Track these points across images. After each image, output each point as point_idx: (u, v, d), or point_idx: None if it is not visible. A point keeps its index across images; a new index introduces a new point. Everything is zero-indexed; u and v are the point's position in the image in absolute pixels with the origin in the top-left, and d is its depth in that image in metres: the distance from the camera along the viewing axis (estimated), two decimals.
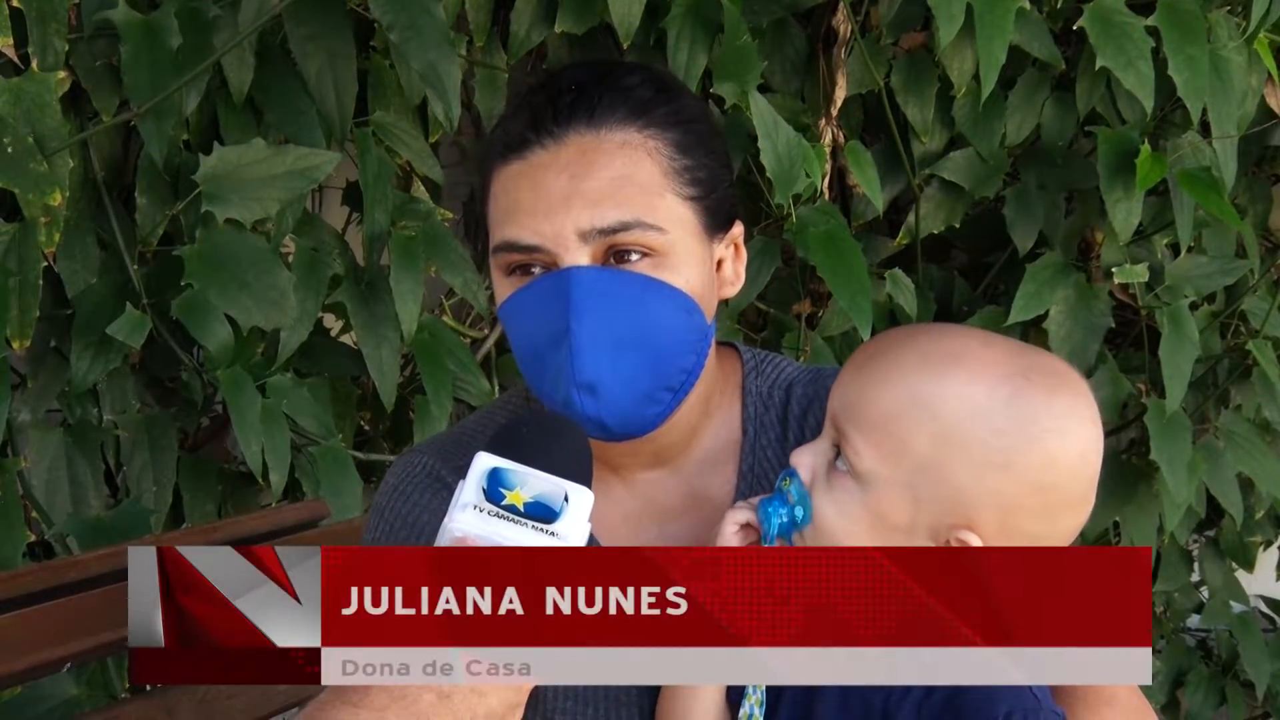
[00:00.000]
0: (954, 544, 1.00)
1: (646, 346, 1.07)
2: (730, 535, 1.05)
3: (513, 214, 1.08)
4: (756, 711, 1.04)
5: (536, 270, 1.08)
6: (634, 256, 1.06)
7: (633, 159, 1.07)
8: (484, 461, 0.95)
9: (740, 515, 1.05)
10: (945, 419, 0.98)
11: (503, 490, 0.94)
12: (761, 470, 1.18)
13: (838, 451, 1.01)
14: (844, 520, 1.00)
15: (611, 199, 1.06)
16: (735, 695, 1.07)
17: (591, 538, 0.97)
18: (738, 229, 1.17)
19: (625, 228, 1.06)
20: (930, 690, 0.99)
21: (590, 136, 1.08)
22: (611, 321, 1.06)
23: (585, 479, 0.97)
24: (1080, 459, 0.99)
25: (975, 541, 0.99)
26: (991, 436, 0.97)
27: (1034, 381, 0.98)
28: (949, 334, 1.03)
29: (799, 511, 1.01)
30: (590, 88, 1.10)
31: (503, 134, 1.12)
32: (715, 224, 1.12)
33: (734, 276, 1.17)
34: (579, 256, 1.06)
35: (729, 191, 1.15)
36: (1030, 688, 0.98)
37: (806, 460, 1.02)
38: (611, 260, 1.06)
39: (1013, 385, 0.98)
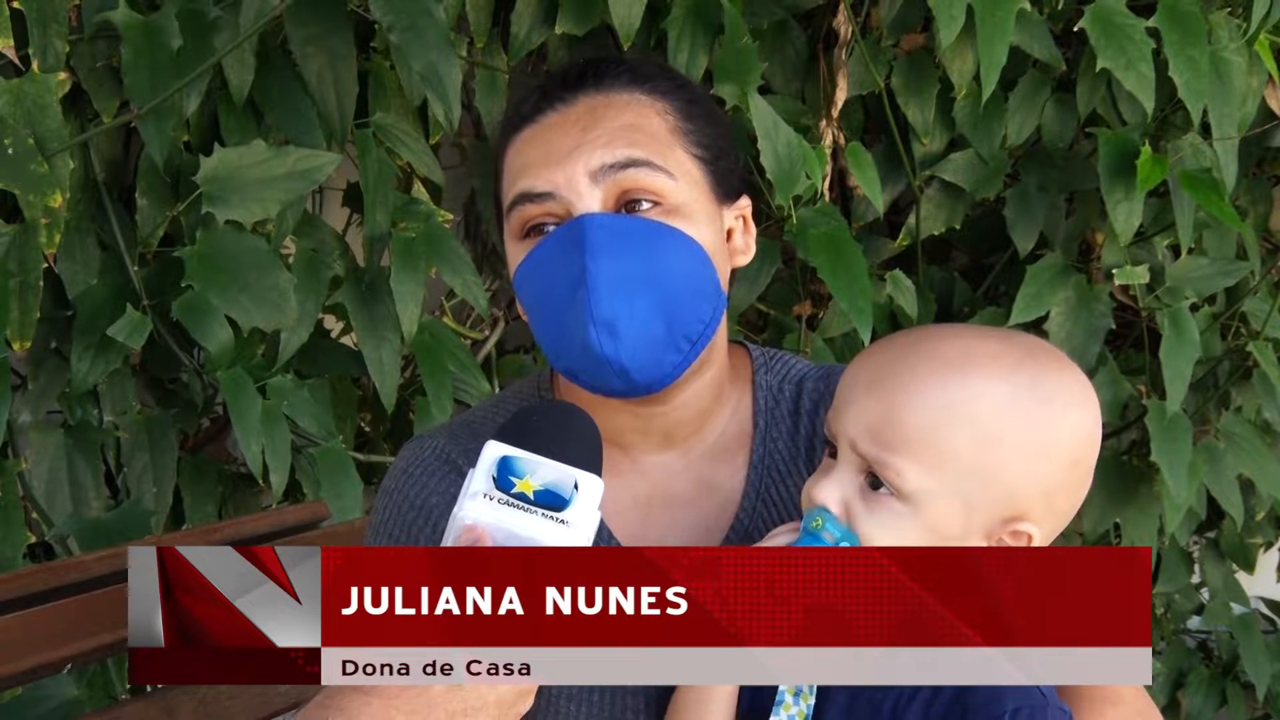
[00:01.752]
0: (1008, 539, 1.01)
1: (662, 290, 1.08)
2: None
3: (525, 169, 1.10)
4: (804, 688, 1.03)
5: (550, 227, 1.09)
6: (645, 205, 1.08)
7: (641, 113, 1.11)
8: (494, 450, 0.96)
9: None
10: (983, 420, 0.98)
11: (513, 478, 0.95)
12: (772, 462, 1.18)
13: (864, 477, 1.01)
14: (898, 544, 1.00)
15: (622, 139, 1.08)
16: (748, 700, 1.07)
17: (600, 523, 0.97)
18: (745, 202, 1.19)
19: (635, 163, 1.08)
20: (937, 690, 1.00)
21: (599, 97, 1.12)
22: (627, 263, 1.07)
23: (595, 467, 0.98)
24: (1096, 425, 1.02)
25: (1032, 530, 1.00)
26: (1027, 425, 0.99)
27: (1042, 363, 1.00)
28: (945, 336, 1.03)
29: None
30: (597, 61, 1.14)
31: (515, 110, 1.15)
32: (724, 190, 1.15)
33: (744, 247, 1.19)
34: (591, 203, 1.08)
35: (736, 164, 1.17)
36: (1037, 685, 0.99)
37: (834, 494, 1.02)
38: (624, 210, 1.08)
39: (1027, 372, 0.99)
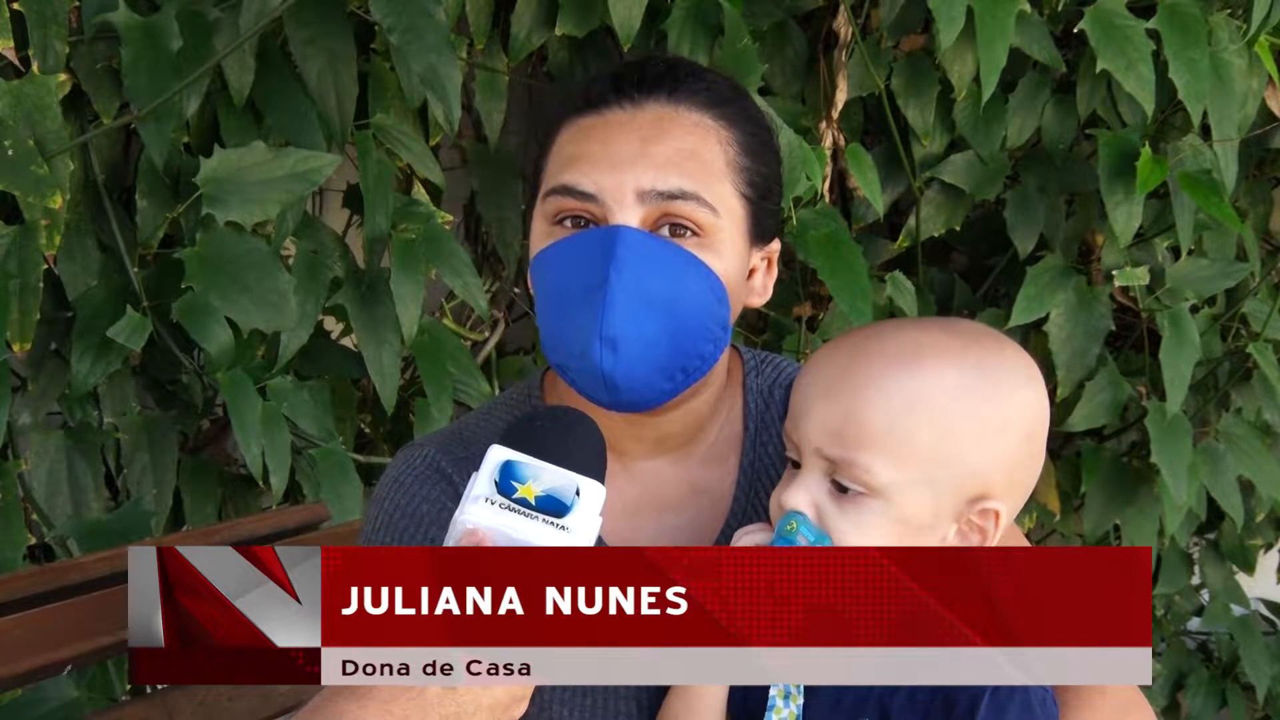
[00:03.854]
0: (976, 519, 1.03)
1: (675, 317, 1.08)
2: None
3: (576, 161, 1.09)
4: (793, 690, 1.03)
5: (583, 223, 1.09)
6: (682, 232, 1.08)
7: (704, 139, 1.10)
8: (497, 454, 0.95)
9: None
10: (939, 407, 1.01)
11: (515, 483, 0.94)
12: (762, 466, 1.18)
13: (831, 480, 1.02)
14: (871, 540, 1.01)
15: (678, 167, 1.08)
16: (738, 702, 1.07)
17: None
18: (776, 245, 1.18)
19: (684, 196, 1.07)
20: None
21: (668, 109, 1.10)
22: (649, 283, 1.07)
23: (599, 473, 0.97)
24: (1044, 400, 1.06)
25: (998, 506, 1.03)
26: (980, 406, 1.02)
27: (985, 346, 1.04)
28: (890, 334, 1.06)
29: None
30: (676, 68, 1.13)
31: (582, 90, 1.13)
32: (759, 231, 1.14)
33: (762, 289, 1.19)
34: (630, 217, 1.07)
35: (777, 207, 1.17)
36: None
37: (804, 498, 1.03)
38: (661, 230, 1.08)
39: (972, 356, 1.03)
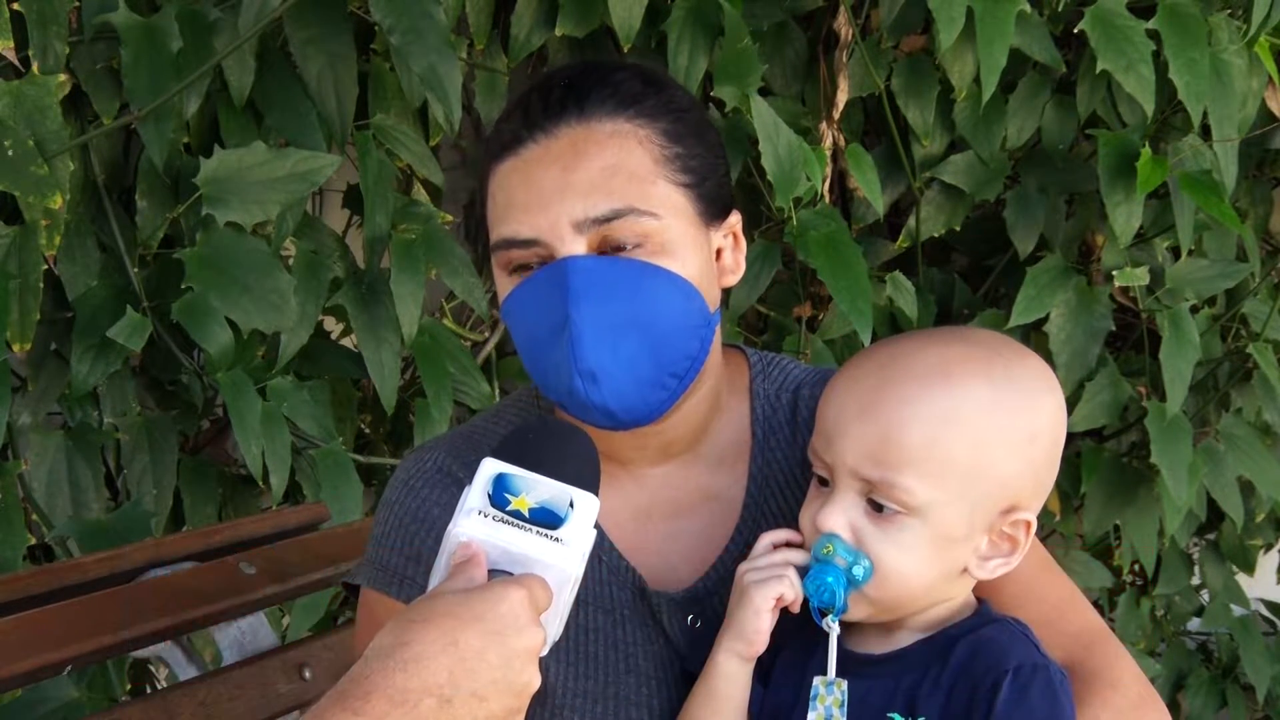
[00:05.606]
0: (1008, 529, 1.03)
1: (647, 331, 1.07)
2: (766, 613, 1.04)
3: (509, 210, 1.09)
4: (836, 712, 1.03)
5: (535, 265, 1.08)
6: (630, 245, 1.07)
7: (623, 147, 1.09)
8: (490, 467, 0.95)
9: (780, 589, 1.03)
10: (974, 423, 1.01)
11: (508, 496, 0.94)
12: (771, 473, 1.18)
13: (867, 499, 1.02)
14: (910, 557, 1.01)
15: (603, 189, 1.07)
16: (757, 703, 1.07)
17: (600, 533, 0.96)
18: (735, 218, 1.17)
19: (618, 215, 1.06)
20: (943, 664, 1.01)
21: (580, 128, 1.09)
22: (610, 308, 1.06)
23: (592, 485, 0.97)
24: (1063, 403, 1.07)
25: (1029, 517, 1.03)
26: (1013, 419, 1.02)
27: (1007, 356, 1.04)
28: (915, 351, 1.05)
29: (859, 571, 1.01)
30: (579, 83, 1.11)
31: (497, 135, 1.13)
32: (711, 212, 1.13)
33: (734, 265, 1.17)
34: (575, 247, 1.06)
35: (724, 180, 1.16)
36: (1038, 647, 1.01)
37: (840, 519, 1.02)
38: (608, 250, 1.07)
39: (999, 369, 1.03)
